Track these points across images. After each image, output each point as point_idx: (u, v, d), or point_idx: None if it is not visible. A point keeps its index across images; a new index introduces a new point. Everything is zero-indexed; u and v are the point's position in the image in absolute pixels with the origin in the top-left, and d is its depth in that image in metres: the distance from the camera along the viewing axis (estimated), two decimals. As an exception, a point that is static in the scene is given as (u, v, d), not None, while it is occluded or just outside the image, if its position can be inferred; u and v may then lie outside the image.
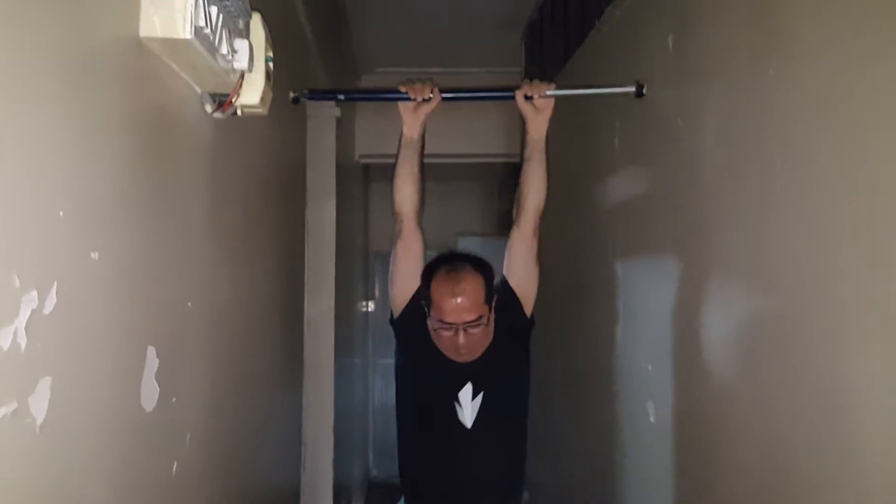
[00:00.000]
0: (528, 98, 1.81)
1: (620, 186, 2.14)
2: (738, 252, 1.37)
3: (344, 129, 3.30)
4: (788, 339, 1.17)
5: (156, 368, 1.01)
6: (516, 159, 3.74)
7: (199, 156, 1.23)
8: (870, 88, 0.96)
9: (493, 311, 1.75)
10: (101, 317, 0.86)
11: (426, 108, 1.82)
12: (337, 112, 2.89)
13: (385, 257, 6.41)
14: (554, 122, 1.83)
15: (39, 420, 0.71)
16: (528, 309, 1.84)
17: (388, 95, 1.89)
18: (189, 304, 1.18)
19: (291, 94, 1.91)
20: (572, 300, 2.60)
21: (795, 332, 1.15)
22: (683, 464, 1.64)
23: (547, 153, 1.83)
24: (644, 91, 1.83)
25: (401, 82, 1.83)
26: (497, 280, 1.83)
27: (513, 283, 1.82)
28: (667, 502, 1.74)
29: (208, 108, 1.20)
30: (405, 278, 1.82)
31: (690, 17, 1.59)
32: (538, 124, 1.82)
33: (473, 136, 4.05)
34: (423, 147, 1.85)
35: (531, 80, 1.85)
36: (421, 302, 1.78)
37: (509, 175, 4.74)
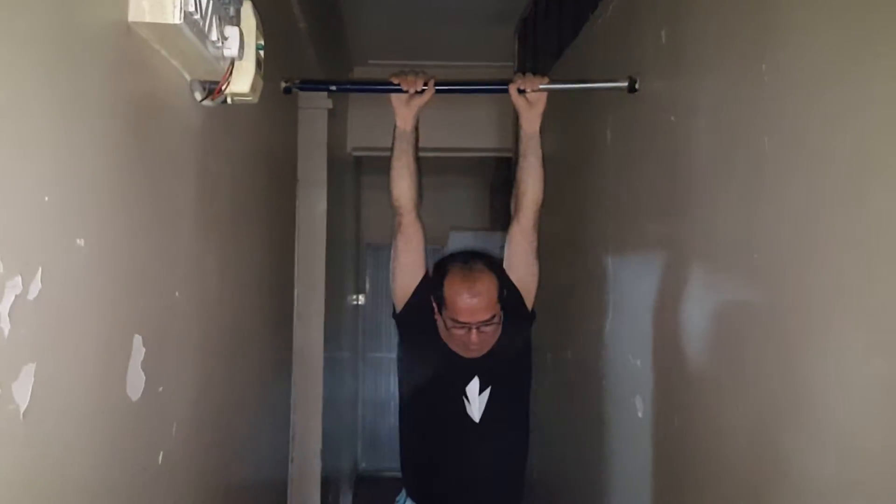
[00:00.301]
0: (521, 92, 1.80)
1: (612, 181, 2.14)
2: (726, 247, 1.38)
3: (336, 121, 3.29)
4: (774, 332, 1.18)
5: (142, 357, 1.01)
6: (509, 154, 3.76)
7: (187, 143, 1.22)
8: (859, 83, 0.97)
9: (504, 296, 1.75)
10: (87, 304, 0.85)
11: (419, 101, 1.81)
12: (329, 103, 2.87)
13: (376, 250, 6.42)
14: (547, 115, 1.82)
15: (23, 407, 0.70)
16: (528, 302, 1.84)
17: (380, 87, 1.88)
18: (177, 293, 1.17)
19: (283, 84, 1.90)
20: (562, 295, 2.60)
21: (781, 326, 1.16)
22: (671, 457, 1.65)
23: (542, 147, 1.82)
24: (637, 86, 1.83)
25: (393, 74, 1.82)
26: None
27: (514, 277, 1.81)
28: (653, 495, 1.75)
29: (198, 96, 1.19)
30: (407, 272, 1.81)
31: (684, 12, 1.59)
32: (531, 118, 1.81)
33: (466, 131, 4.05)
34: (417, 139, 1.84)
35: (524, 73, 1.85)
36: (427, 294, 1.77)
37: (502, 169, 4.74)
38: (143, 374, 1.01)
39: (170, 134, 1.14)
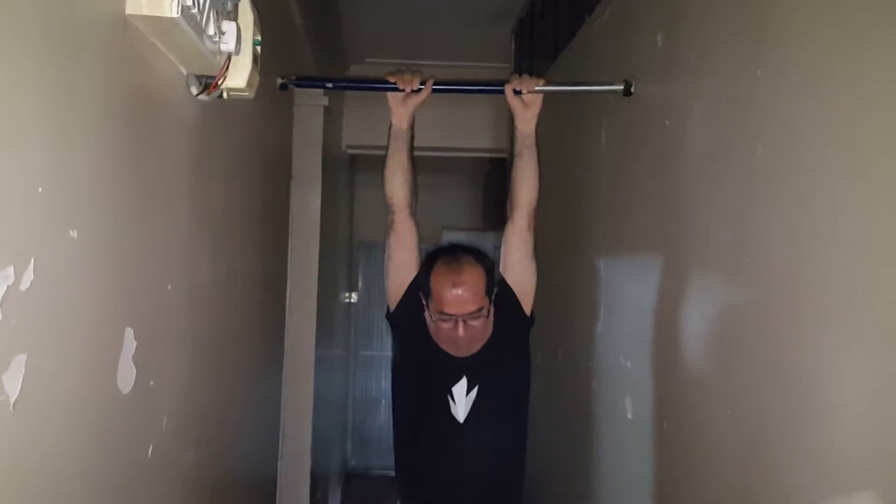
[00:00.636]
0: (517, 93, 1.81)
1: (605, 183, 2.15)
2: (718, 251, 1.38)
3: (331, 119, 3.29)
4: (763, 335, 1.19)
5: (133, 350, 1.00)
6: (503, 154, 3.76)
7: (182, 137, 1.22)
8: (852, 89, 0.98)
9: (493, 304, 1.73)
10: (79, 295, 0.85)
11: (415, 100, 1.81)
12: (325, 101, 2.87)
13: (369, 249, 6.40)
14: (541, 117, 1.83)
15: (13, 398, 0.70)
16: (526, 306, 1.82)
17: (377, 85, 1.88)
18: (169, 286, 1.17)
19: (279, 80, 1.90)
20: (554, 296, 2.61)
21: (770, 329, 1.17)
22: (659, 459, 1.66)
23: (537, 147, 1.82)
24: (632, 89, 1.84)
25: (389, 72, 1.82)
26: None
27: (510, 279, 1.80)
28: (642, 496, 1.76)
29: (194, 90, 1.19)
30: (399, 270, 1.80)
31: (679, 16, 1.60)
32: (527, 119, 1.81)
33: (461, 131, 4.05)
34: (412, 138, 1.84)
35: (521, 75, 1.85)
36: (418, 293, 1.76)
37: (496, 170, 4.75)
38: (133, 367, 1.01)
39: (165, 127, 1.14)
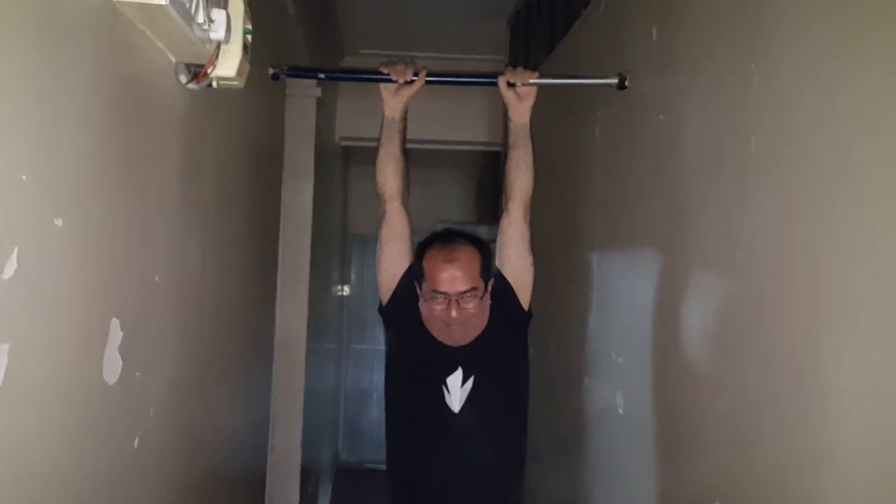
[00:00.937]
0: (510, 85, 1.80)
1: (599, 177, 2.15)
2: (711, 246, 1.38)
3: (325, 110, 3.27)
4: (754, 331, 1.19)
5: (119, 341, 1.00)
6: (497, 148, 3.75)
7: (171, 126, 1.21)
8: (846, 84, 0.97)
9: (488, 291, 1.72)
10: (64, 285, 0.84)
11: (408, 91, 1.80)
12: (318, 92, 2.85)
13: (363, 241, 6.38)
14: (535, 110, 1.82)
15: (-6, 387, 0.69)
16: (524, 300, 1.80)
17: (369, 76, 1.87)
18: (157, 277, 1.16)
19: (271, 70, 1.88)
20: (547, 291, 2.60)
21: (761, 325, 1.17)
22: (650, 454, 1.66)
23: (532, 139, 1.81)
24: (626, 83, 1.83)
25: (382, 63, 1.81)
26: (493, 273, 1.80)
27: (506, 272, 1.78)
28: (634, 490, 1.76)
29: (183, 79, 1.17)
30: (391, 262, 1.79)
31: (675, 10, 1.59)
32: (521, 112, 1.81)
33: (456, 124, 4.03)
34: (405, 129, 1.83)
35: (515, 67, 1.84)
36: (411, 284, 1.75)
37: (491, 163, 4.74)
38: (120, 358, 1.00)
39: (154, 116, 1.13)
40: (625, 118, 1.91)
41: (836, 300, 0.98)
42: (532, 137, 1.80)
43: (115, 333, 0.98)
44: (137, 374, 1.08)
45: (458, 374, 1.74)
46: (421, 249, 1.74)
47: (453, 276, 1.65)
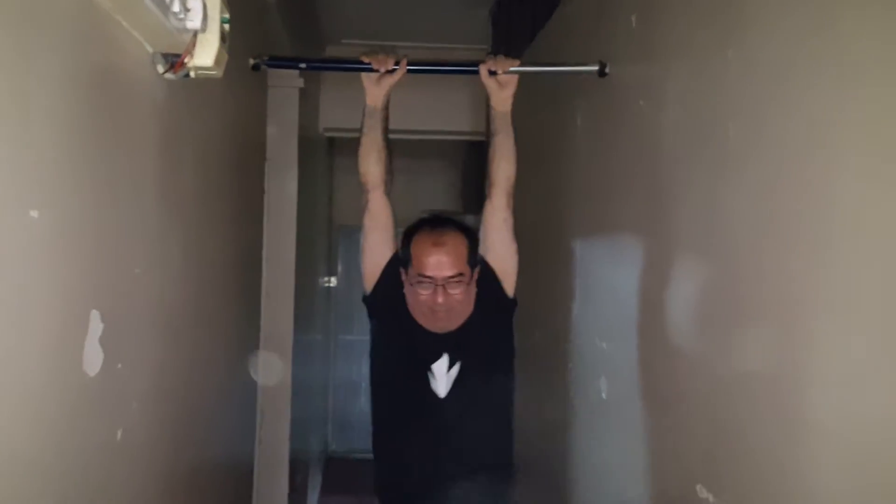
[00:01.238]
0: (492, 73, 1.80)
1: (581, 164, 2.15)
2: (690, 230, 1.39)
3: (308, 101, 3.25)
4: (731, 316, 1.20)
5: (100, 332, 0.99)
6: (482, 137, 3.75)
7: (149, 116, 1.20)
8: (822, 71, 0.98)
9: (474, 278, 1.73)
10: (41, 276, 0.84)
11: (390, 80, 1.80)
12: (300, 83, 2.84)
13: (349, 232, 6.38)
14: (517, 98, 1.82)
15: (-29, 380, 0.69)
16: (508, 287, 1.81)
17: (351, 65, 1.87)
18: (137, 269, 1.15)
19: (251, 61, 1.87)
20: (531, 278, 2.61)
21: (739, 306, 1.18)
22: (633, 439, 1.67)
23: (513, 126, 1.82)
24: (607, 70, 1.84)
25: (363, 52, 1.81)
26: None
27: (490, 259, 1.79)
28: (616, 474, 1.78)
29: (160, 69, 1.16)
30: (375, 251, 1.80)
31: (654, -3, 1.60)
32: (502, 99, 1.81)
33: (440, 113, 4.03)
34: (387, 118, 1.83)
35: (496, 56, 1.84)
36: (396, 272, 1.75)
37: (475, 152, 4.73)
38: (100, 349, 1.00)
39: (131, 106, 1.12)
40: (606, 105, 1.92)
41: (811, 283, 0.99)
42: (513, 125, 1.81)
43: (96, 325, 0.98)
44: (119, 365, 1.08)
45: (444, 360, 1.75)
46: (408, 235, 1.75)
47: (440, 261, 1.66)
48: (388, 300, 1.79)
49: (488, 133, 1.85)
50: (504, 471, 1.86)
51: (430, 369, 1.75)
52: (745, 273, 1.17)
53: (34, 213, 0.81)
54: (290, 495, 2.88)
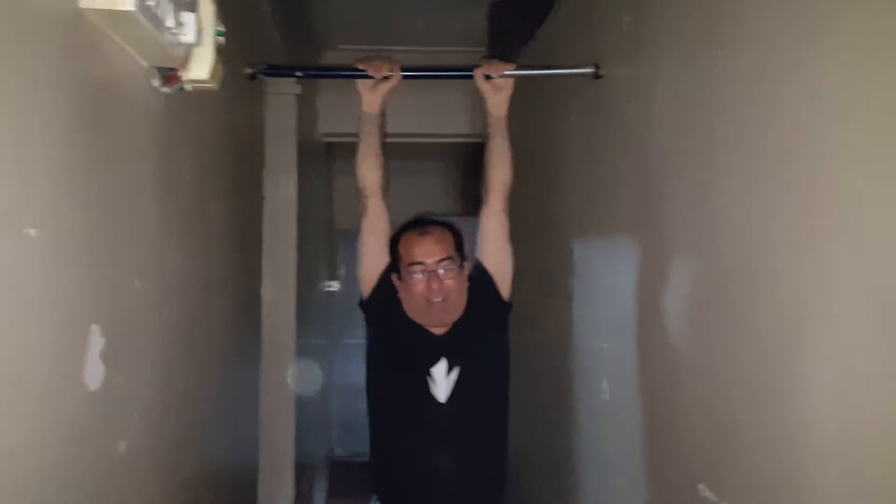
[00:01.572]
0: (487, 77, 1.81)
1: (576, 165, 2.16)
2: (683, 229, 1.40)
3: (306, 107, 3.26)
4: (726, 311, 1.21)
5: (101, 347, 1.00)
6: (480, 140, 3.74)
7: (146, 131, 1.21)
8: (809, 71, 0.99)
9: (465, 269, 1.76)
10: (40, 294, 0.84)
11: (386, 86, 1.82)
12: (297, 89, 2.84)
13: (349, 236, 6.35)
14: (513, 101, 1.83)
15: (-28, 398, 0.70)
16: (504, 290, 1.82)
17: (347, 73, 1.88)
18: (136, 282, 1.16)
19: (248, 70, 1.88)
20: (529, 279, 2.62)
21: (732, 305, 1.18)
22: (636, 439, 1.68)
23: (509, 130, 1.83)
24: (601, 72, 1.84)
25: (358, 59, 1.82)
26: (471, 262, 1.82)
27: (486, 262, 1.81)
28: (620, 474, 1.78)
29: (155, 83, 1.17)
30: (373, 256, 1.81)
31: (645, -1, 1.61)
32: (498, 103, 1.82)
33: (438, 116, 4.03)
34: (384, 124, 1.85)
35: (491, 59, 1.85)
36: (391, 276, 1.78)
37: (474, 155, 4.73)
38: (102, 363, 1.00)
39: (127, 121, 1.13)
40: (600, 107, 1.92)
41: (802, 282, 1.00)
42: (509, 128, 1.82)
43: (96, 340, 0.99)
44: (121, 378, 1.09)
45: (443, 364, 1.76)
46: (394, 240, 1.79)
47: (429, 247, 1.71)
48: (385, 304, 1.80)
49: (485, 137, 1.86)
50: (500, 475, 1.87)
51: (429, 373, 1.76)
52: (735, 274, 1.18)
53: (31, 232, 0.81)
54: (295, 501, 2.88)
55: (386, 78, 1.80)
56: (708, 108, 1.26)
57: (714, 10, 1.26)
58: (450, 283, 1.71)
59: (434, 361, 1.76)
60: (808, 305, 0.99)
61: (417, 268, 1.70)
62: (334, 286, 5.58)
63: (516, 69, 1.83)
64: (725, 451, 1.23)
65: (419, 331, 1.77)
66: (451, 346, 1.77)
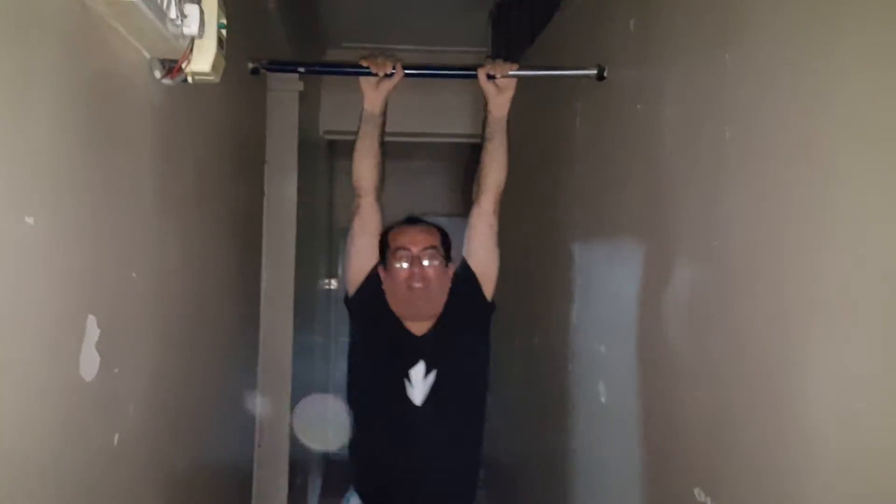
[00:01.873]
0: (490, 77, 1.80)
1: (580, 167, 2.16)
2: (689, 234, 1.39)
3: (308, 104, 3.26)
4: (730, 316, 1.20)
5: (96, 337, 0.99)
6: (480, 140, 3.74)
7: (147, 122, 1.20)
8: (819, 75, 0.98)
9: (448, 270, 1.78)
10: (36, 283, 0.84)
11: (388, 84, 1.81)
12: (300, 86, 2.84)
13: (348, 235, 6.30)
14: (516, 102, 1.82)
15: (-34, 386, 0.69)
16: (487, 291, 1.83)
17: (349, 70, 1.87)
18: (134, 274, 1.15)
19: (250, 65, 1.88)
20: (529, 281, 2.62)
21: (736, 310, 1.18)
22: (632, 442, 1.67)
23: (508, 132, 1.83)
24: (605, 74, 1.84)
25: (362, 56, 1.81)
26: (456, 261, 1.83)
27: (472, 262, 1.81)
28: (615, 477, 1.78)
29: (157, 74, 1.17)
30: (362, 255, 1.81)
31: (651, 0, 1.60)
32: (500, 104, 1.82)
33: (440, 116, 4.03)
34: (384, 123, 1.84)
35: (495, 59, 1.85)
36: (378, 269, 1.80)
37: (474, 155, 4.72)
38: (97, 354, 1.00)
39: (128, 111, 1.12)
40: (604, 109, 1.92)
41: (805, 287, 0.99)
42: (508, 131, 1.82)
43: (92, 330, 0.98)
44: (116, 370, 1.08)
45: (421, 366, 1.75)
46: (383, 236, 1.82)
47: (414, 235, 1.76)
48: (370, 301, 1.81)
49: (483, 136, 1.86)
50: (472, 478, 1.87)
51: (407, 376, 1.75)
52: (739, 278, 1.17)
53: (30, 220, 0.81)
54: (289, 497, 2.88)
55: (388, 75, 1.79)
56: (716, 112, 1.26)
57: (722, 13, 1.25)
58: (432, 271, 1.74)
59: (412, 363, 1.76)
60: (812, 313, 0.98)
61: (402, 253, 1.74)
62: (333, 284, 5.58)
63: (520, 69, 1.83)
64: (723, 455, 1.22)
65: (400, 330, 1.77)
66: (431, 348, 1.77)
